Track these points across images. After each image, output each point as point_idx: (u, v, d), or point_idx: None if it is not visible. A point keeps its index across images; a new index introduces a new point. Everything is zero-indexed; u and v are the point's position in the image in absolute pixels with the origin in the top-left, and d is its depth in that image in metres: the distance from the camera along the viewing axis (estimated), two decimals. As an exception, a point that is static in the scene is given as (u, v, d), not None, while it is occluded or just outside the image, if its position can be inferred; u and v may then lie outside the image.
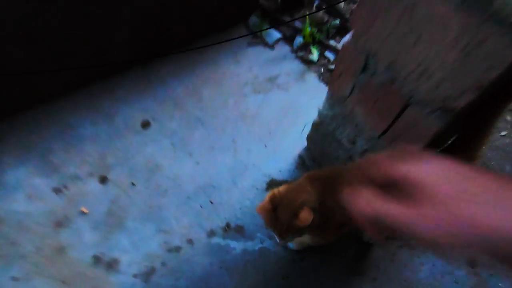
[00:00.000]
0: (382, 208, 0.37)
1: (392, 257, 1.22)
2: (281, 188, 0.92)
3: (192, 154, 1.50)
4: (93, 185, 1.45)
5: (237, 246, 1.28)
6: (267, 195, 0.92)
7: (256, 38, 1.81)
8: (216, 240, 1.29)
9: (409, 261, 1.21)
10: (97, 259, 1.28)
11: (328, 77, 1.65)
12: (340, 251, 1.25)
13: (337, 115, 1.14)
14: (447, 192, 0.34)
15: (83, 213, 1.38)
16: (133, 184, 1.45)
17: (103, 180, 1.47)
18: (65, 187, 1.45)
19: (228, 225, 1.32)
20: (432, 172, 0.36)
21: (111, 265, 1.27)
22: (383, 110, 0.93)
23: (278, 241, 0.95)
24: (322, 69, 1.68)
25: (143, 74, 1.72)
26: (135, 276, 1.24)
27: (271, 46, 1.78)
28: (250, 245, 1.28)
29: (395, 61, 0.81)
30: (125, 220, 1.37)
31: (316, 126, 1.29)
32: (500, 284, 1.17)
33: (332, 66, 1.67)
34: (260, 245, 1.27)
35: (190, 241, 1.30)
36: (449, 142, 0.93)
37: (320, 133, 1.28)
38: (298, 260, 1.23)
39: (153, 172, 1.47)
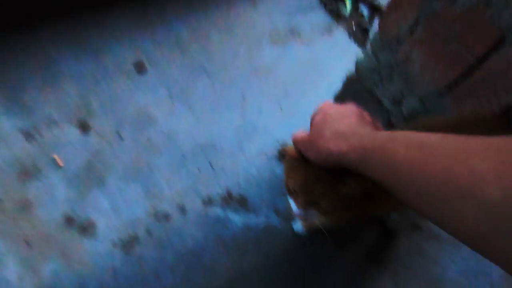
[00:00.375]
0: None
1: (419, 249, 1.05)
2: None
3: (193, 108, 1.27)
4: (72, 133, 1.23)
5: (238, 220, 1.08)
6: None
7: (279, -19, 1.53)
8: (214, 211, 1.09)
9: (438, 256, 1.04)
10: (69, 220, 1.08)
11: (359, 36, 1.41)
12: (358, 237, 1.07)
13: (383, 65, 0.91)
14: None
15: (56, 164, 1.16)
16: (119, 136, 1.22)
17: (84, 128, 1.24)
18: (38, 132, 1.22)
19: (229, 194, 1.12)
20: None
21: (86, 229, 1.07)
22: (458, 52, 0.70)
23: (295, 211, 0.68)
24: (354, 26, 1.43)
25: (142, 10, 1.46)
26: (114, 244, 1.05)
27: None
28: (253, 220, 1.08)
29: None
30: (106, 177, 1.15)
31: (349, 83, 1.06)
32: (540, 292, 1.01)
33: (366, 24, 1.42)
34: (265, 221, 1.08)
35: (182, 209, 1.10)
36: None
37: (353, 91, 1.05)
38: (309, 244, 1.05)
39: (144, 124, 1.25)
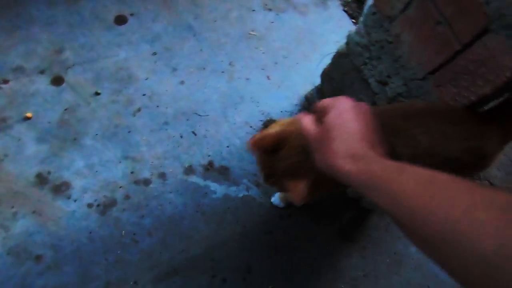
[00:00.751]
0: None
1: (387, 227, 1.12)
2: (291, 125, 0.70)
3: (177, 69, 1.22)
4: (43, 84, 1.15)
5: (218, 189, 1.09)
6: (274, 128, 0.70)
7: None
8: (194, 179, 1.09)
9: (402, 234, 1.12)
10: (42, 179, 1.04)
11: (353, 9, 1.37)
12: (333, 213, 1.12)
13: (374, 43, 0.91)
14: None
15: (26, 118, 1.10)
16: (97, 93, 1.16)
17: (57, 81, 1.16)
18: (4, 81, 1.12)
19: (210, 163, 1.12)
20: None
21: (60, 189, 1.04)
22: (446, 36, 0.71)
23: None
24: (350, -2, 1.40)
25: (123, -49, 1.32)
26: (89, 205, 1.03)
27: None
28: (233, 190, 1.10)
29: None
30: (82, 136, 1.10)
31: (339, 58, 1.05)
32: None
33: (363, -3, 1.38)
34: (245, 193, 1.10)
35: (162, 175, 1.09)
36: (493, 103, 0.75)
37: (342, 68, 1.05)
38: (286, 216, 1.09)
39: (124, 83, 1.18)
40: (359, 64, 0.99)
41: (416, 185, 0.39)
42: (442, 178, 0.38)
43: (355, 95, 1.05)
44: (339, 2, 1.39)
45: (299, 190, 0.65)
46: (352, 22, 1.33)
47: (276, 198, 1.09)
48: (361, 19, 0.94)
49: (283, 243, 1.06)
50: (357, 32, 0.97)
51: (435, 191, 0.37)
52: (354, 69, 1.02)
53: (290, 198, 1.02)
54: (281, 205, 1.09)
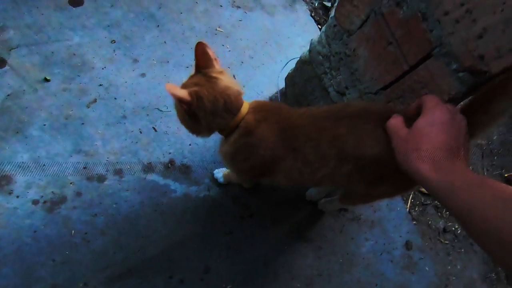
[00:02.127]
0: None
1: (342, 228, 1.24)
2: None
3: (138, 61, 1.22)
4: (-19, 66, 1.08)
5: (178, 188, 1.12)
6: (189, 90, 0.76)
7: None
8: (153, 177, 1.11)
9: (356, 235, 1.25)
10: (-22, 171, 0.98)
11: (320, 15, 1.48)
12: (291, 214, 1.21)
13: (334, 54, 1.01)
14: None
15: (-40, 102, 1.02)
16: (46, 79, 1.12)
17: (-1, 63, 1.09)
18: None
19: (171, 161, 1.14)
20: None
21: (0, 184, 0.99)
22: (396, 56, 0.82)
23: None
24: (317, 3, 1.49)
25: None
26: (34, 202, 1.00)
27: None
28: (194, 190, 1.13)
29: None
30: (27, 125, 1.06)
31: (302, 64, 1.14)
32: (426, 268, 1.30)
33: (328, 3, 1.49)
34: (206, 193, 1.14)
35: (118, 172, 1.09)
36: None
37: (305, 74, 1.14)
38: (247, 216, 1.15)
39: (78, 70, 1.15)
40: (320, 73, 1.08)
41: (493, 199, 0.48)
42: None
43: (315, 102, 1.14)
44: (307, 7, 1.48)
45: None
46: (318, 27, 1.43)
47: (219, 174, 1.15)
48: (323, 29, 1.03)
49: (242, 243, 1.12)
50: (319, 41, 1.06)
51: (510, 205, 0.46)
52: (316, 77, 1.11)
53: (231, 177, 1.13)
54: (223, 182, 1.15)
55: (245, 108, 0.79)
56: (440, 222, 1.39)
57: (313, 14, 1.48)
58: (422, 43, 0.74)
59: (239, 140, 0.79)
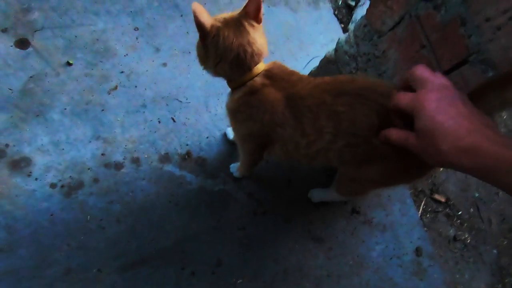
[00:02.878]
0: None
1: (353, 231, 1.22)
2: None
3: (160, 50, 1.19)
4: (5, 45, 1.06)
5: (194, 181, 1.10)
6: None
7: None
8: (170, 167, 1.09)
9: (367, 238, 1.23)
10: (-2, 151, 0.97)
11: (343, 14, 1.43)
12: (303, 213, 1.18)
13: (361, 54, 0.97)
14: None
15: (-18, 81, 1.01)
16: (68, 63, 1.09)
17: (23, 43, 1.07)
18: (-42, 35, 1.02)
19: (188, 153, 1.11)
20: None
21: (18, 164, 0.97)
22: (428, 60, 0.78)
23: None
24: (340, 2, 1.44)
25: None
26: (52, 186, 0.98)
27: None
28: (209, 183, 1.11)
29: None
30: (48, 109, 1.04)
31: (326, 63, 1.10)
32: (435, 275, 1.28)
33: (352, 3, 1.44)
34: (222, 187, 1.12)
35: (136, 161, 1.07)
36: None
37: (329, 74, 1.09)
38: (260, 213, 1.13)
39: (100, 56, 1.13)
40: (346, 73, 1.05)
41: None
42: None
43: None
44: (331, 5, 1.43)
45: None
46: (341, 26, 1.38)
47: (230, 133, 1.14)
48: (351, 28, 0.99)
49: (254, 239, 1.10)
50: (346, 41, 1.02)
51: None
52: (341, 77, 1.07)
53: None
54: (236, 174, 1.13)
55: (258, 69, 0.77)
56: (451, 230, 1.36)
57: (336, 13, 1.43)
58: (459, 48, 0.70)
59: (242, 98, 0.78)
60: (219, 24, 0.72)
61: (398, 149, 0.67)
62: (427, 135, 0.55)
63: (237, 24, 0.73)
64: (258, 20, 0.76)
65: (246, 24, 0.73)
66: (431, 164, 0.60)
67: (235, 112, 0.82)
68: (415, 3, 0.78)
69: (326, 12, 1.43)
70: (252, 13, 0.74)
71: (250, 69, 0.76)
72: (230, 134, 1.13)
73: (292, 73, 0.80)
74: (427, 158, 0.58)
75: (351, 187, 0.99)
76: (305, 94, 0.74)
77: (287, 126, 0.76)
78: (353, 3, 1.46)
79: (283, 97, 0.75)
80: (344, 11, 1.43)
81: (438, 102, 0.55)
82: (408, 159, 0.72)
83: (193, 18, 0.69)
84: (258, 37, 0.76)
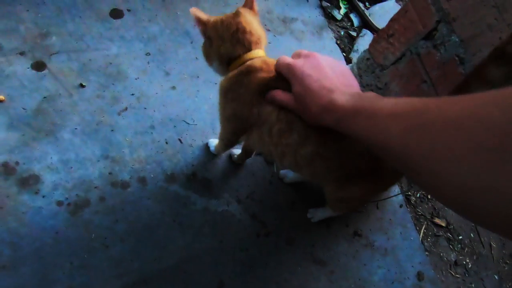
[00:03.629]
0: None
1: (355, 254, 1.18)
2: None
3: (170, 74, 1.19)
4: (22, 67, 1.06)
5: (198, 201, 1.07)
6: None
7: (282, -36, 1.48)
8: (175, 188, 1.07)
9: (368, 261, 1.18)
10: (7, 169, 0.95)
11: (345, 43, 1.45)
12: (306, 235, 1.15)
13: (365, 85, 0.97)
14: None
15: (-2, 100, 1.01)
16: (81, 85, 1.10)
17: (38, 66, 1.08)
18: (-22, 56, 1.03)
19: (194, 174, 1.10)
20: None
21: (27, 182, 0.96)
22: (429, 95, 0.78)
23: None
24: (343, 32, 1.47)
25: None
26: (59, 203, 0.96)
27: (297, -17, 1.48)
28: (213, 204, 1.09)
29: (476, 37, 0.65)
30: (59, 128, 1.04)
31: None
32: (437, 302, 1.23)
33: (354, 33, 1.47)
34: (225, 208, 1.09)
35: (142, 180, 1.05)
36: None
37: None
38: (263, 234, 1.09)
39: (112, 79, 1.14)
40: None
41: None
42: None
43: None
44: (333, 35, 1.46)
45: None
46: (343, 55, 1.40)
47: (212, 146, 1.12)
48: (355, 60, 1.00)
49: (257, 261, 1.06)
50: (351, 70, 1.03)
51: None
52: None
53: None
54: (215, 152, 1.12)
55: (258, 53, 0.78)
56: (452, 255, 1.31)
57: (338, 42, 1.45)
58: (458, 85, 0.70)
59: (237, 76, 0.77)
60: (216, 17, 0.79)
61: (371, 165, 0.71)
62: (300, 98, 0.60)
63: (234, 12, 0.79)
64: (253, 11, 0.81)
65: (241, 10, 0.78)
66: (310, 125, 0.65)
67: (227, 91, 0.81)
68: (416, 41, 0.79)
69: (329, 42, 1.45)
70: (248, 4, 0.80)
71: (250, 48, 0.78)
72: (212, 145, 1.12)
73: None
74: (306, 119, 0.63)
75: (338, 206, 0.99)
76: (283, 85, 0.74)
77: (265, 107, 0.76)
78: (354, 34, 1.48)
79: (268, 81, 0.75)
80: (346, 40, 1.45)
81: (304, 68, 0.61)
82: (381, 173, 0.74)
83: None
84: (255, 21, 0.79)
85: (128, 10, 1.22)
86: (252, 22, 0.78)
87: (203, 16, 0.78)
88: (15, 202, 0.93)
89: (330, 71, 0.61)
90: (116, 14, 1.20)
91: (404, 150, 0.40)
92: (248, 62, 0.77)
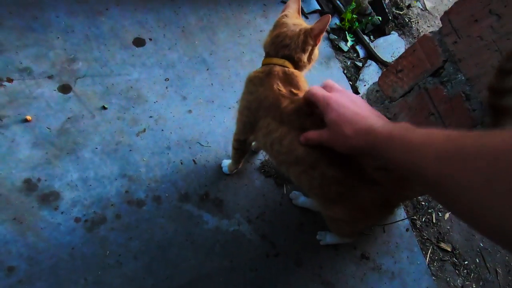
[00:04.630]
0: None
1: (362, 277, 1.13)
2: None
3: (187, 98, 1.21)
4: (49, 90, 1.08)
5: (210, 220, 1.05)
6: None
7: None
8: (188, 207, 1.05)
9: (376, 285, 1.14)
10: (30, 185, 0.95)
11: (352, 73, 1.47)
12: (314, 257, 1.11)
13: None
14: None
15: (25, 120, 1.02)
16: (103, 107, 1.11)
17: (65, 89, 1.10)
18: (8, 79, 1.05)
19: (207, 194, 1.08)
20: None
21: (47, 198, 0.95)
22: (436, 127, 0.78)
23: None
24: (349, 62, 1.49)
25: (152, -18, 1.34)
26: (77, 220, 0.95)
27: (305, 15, 1.52)
28: (225, 224, 1.06)
29: (481, 76, 0.65)
30: (81, 147, 1.04)
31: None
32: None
33: (360, 64, 1.49)
34: (236, 227, 1.07)
35: (157, 199, 1.03)
36: None
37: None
38: (272, 255, 1.06)
39: (133, 102, 1.15)
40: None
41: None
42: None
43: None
44: (340, 64, 1.48)
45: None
46: (349, 84, 1.41)
47: (225, 166, 1.11)
48: (364, 91, 1.00)
49: (266, 281, 1.02)
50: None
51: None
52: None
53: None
54: (227, 172, 1.11)
55: (284, 62, 0.79)
56: (458, 280, 1.26)
57: (345, 72, 1.47)
58: (464, 119, 0.70)
59: (260, 73, 0.80)
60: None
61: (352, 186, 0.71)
62: (334, 124, 0.62)
63: (301, 32, 0.78)
64: (317, 39, 0.79)
65: (304, 33, 0.78)
66: (341, 151, 0.64)
67: (249, 81, 0.83)
68: (424, 77, 0.79)
69: (336, 71, 1.47)
70: (316, 30, 0.77)
71: (277, 55, 0.79)
72: (225, 165, 1.11)
73: (301, 89, 0.79)
74: (338, 146, 0.64)
75: (333, 227, 0.96)
76: (286, 108, 0.74)
77: (269, 119, 0.77)
78: (360, 64, 1.50)
79: (274, 98, 0.76)
80: (352, 70, 1.47)
81: (339, 99, 0.64)
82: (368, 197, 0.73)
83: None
84: (305, 43, 0.79)
85: (150, 39, 1.25)
86: (300, 42, 0.78)
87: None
88: (34, 217, 0.92)
89: (361, 103, 0.64)
90: (139, 42, 1.24)
91: (439, 177, 0.39)
92: (272, 66, 0.78)
